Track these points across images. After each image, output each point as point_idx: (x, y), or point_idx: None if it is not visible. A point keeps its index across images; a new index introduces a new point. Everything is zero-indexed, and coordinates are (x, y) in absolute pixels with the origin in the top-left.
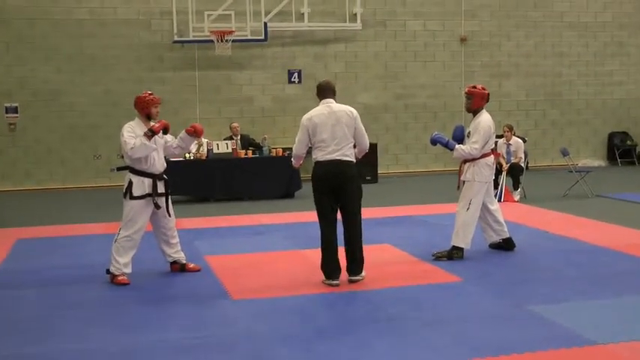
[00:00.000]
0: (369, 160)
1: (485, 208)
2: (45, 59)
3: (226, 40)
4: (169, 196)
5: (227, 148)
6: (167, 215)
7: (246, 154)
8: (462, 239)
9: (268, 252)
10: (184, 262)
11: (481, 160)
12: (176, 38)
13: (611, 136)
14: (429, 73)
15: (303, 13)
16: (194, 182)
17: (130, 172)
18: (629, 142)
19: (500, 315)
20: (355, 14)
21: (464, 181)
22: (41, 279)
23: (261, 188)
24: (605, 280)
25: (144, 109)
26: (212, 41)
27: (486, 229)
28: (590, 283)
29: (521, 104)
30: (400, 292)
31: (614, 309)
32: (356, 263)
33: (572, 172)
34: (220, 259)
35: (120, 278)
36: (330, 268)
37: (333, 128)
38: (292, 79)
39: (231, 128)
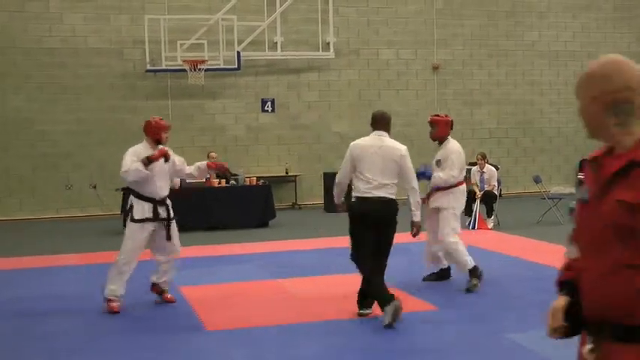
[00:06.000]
0: None
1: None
2: (15, 88)
3: (199, 69)
4: (171, 222)
5: None
6: (167, 238)
7: (219, 183)
8: (467, 261)
9: (243, 282)
10: (165, 288)
11: (458, 187)
12: (149, 67)
13: (582, 164)
14: (403, 102)
15: (276, 42)
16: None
17: (132, 194)
18: None
19: (477, 343)
20: (328, 43)
21: (438, 209)
22: (11, 311)
23: (235, 217)
24: None
25: (155, 134)
26: (185, 70)
27: (433, 256)
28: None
29: (494, 132)
30: (375, 322)
31: None
32: (369, 299)
33: (544, 199)
34: (194, 290)
35: (112, 305)
36: (366, 300)
37: (381, 163)
38: (265, 108)
39: (208, 157)
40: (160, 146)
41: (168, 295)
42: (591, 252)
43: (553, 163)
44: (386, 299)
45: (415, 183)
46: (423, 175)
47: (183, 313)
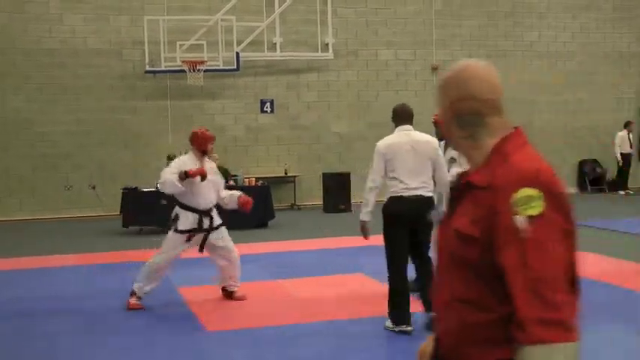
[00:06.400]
0: (342, 189)
1: None
2: (15, 88)
3: (198, 70)
4: (213, 231)
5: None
6: (199, 250)
7: None
8: None
9: (243, 282)
10: (233, 289)
11: None
12: (148, 68)
13: (582, 164)
14: (402, 102)
15: (275, 43)
16: (167, 212)
17: (177, 204)
18: (598, 170)
19: None
20: (327, 44)
21: None
22: (11, 311)
23: (234, 218)
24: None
25: (201, 145)
26: (184, 71)
27: None
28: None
29: None
30: (374, 322)
31: (590, 339)
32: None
33: None
34: (194, 291)
35: (132, 302)
36: (404, 314)
37: (414, 159)
38: (265, 109)
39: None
40: (207, 159)
41: (239, 294)
42: (440, 280)
43: (552, 164)
44: (405, 319)
45: (447, 178)
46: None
47: (183, 314)
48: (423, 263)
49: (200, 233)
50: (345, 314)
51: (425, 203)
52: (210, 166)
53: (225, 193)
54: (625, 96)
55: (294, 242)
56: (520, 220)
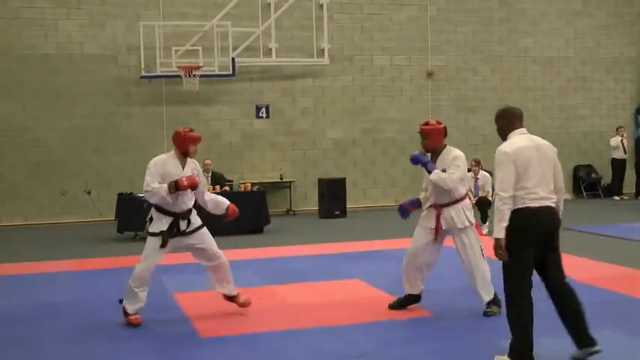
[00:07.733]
0: (337, 194)
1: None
2: (10, 94)
3: (194, 76)
4: (191, 234)
5: None
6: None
7: (214, 189)
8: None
9: (238, 288)
10: (233, 294)
11: (465, 202)
12: (143, 73)
13: (577, 170)
14: (397, 108)
15: (270, 49)
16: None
17: (154, 207)
18: (593, 175)
19: (471, 350)
20: (323, 49)
21: (455, 229)
22: (3, 317)
23: (229, 223)
24: None
25: (182, 146)
26: (179, 76)
27: (417, 279)
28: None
29: (488, 138)
30: (371, 327)
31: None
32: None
33: None
34: (188, 297)
35: (131, 318)
36: (530, 352)
37: (541, 165)
38: (260, 114)
39: (203, 164)
40: (189, 160)
41: (241, 300)
42: None
43: None
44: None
45: (563, 186)
46: (417, 159)
47: (177, 320)
48: (562, 293)
49: (175, 237)
50: (343, 320)
51: (556, 214)
52: (192, 166)
53: (210, 197)
54: (619, 102)
55: (289, 248)
56: None
